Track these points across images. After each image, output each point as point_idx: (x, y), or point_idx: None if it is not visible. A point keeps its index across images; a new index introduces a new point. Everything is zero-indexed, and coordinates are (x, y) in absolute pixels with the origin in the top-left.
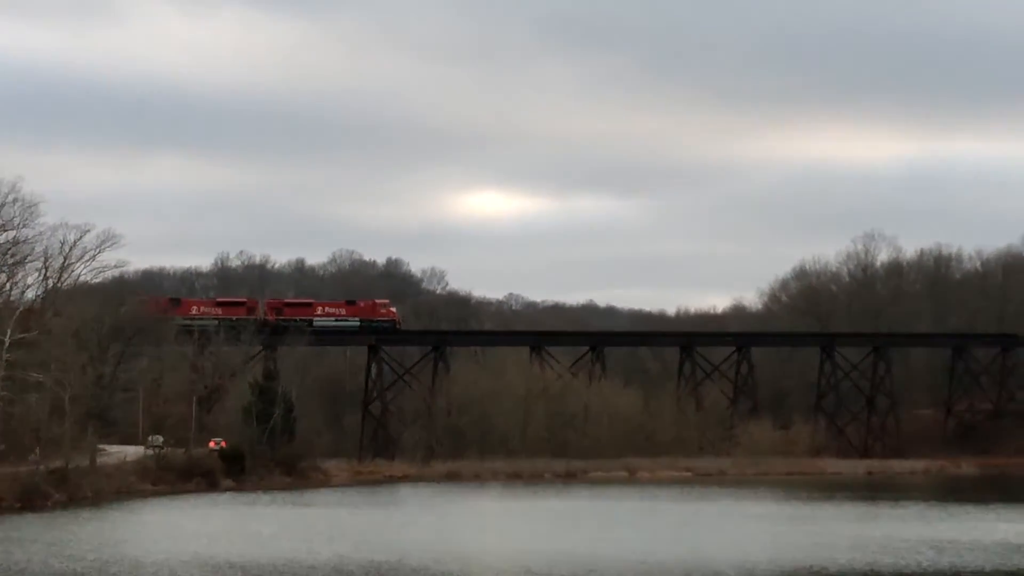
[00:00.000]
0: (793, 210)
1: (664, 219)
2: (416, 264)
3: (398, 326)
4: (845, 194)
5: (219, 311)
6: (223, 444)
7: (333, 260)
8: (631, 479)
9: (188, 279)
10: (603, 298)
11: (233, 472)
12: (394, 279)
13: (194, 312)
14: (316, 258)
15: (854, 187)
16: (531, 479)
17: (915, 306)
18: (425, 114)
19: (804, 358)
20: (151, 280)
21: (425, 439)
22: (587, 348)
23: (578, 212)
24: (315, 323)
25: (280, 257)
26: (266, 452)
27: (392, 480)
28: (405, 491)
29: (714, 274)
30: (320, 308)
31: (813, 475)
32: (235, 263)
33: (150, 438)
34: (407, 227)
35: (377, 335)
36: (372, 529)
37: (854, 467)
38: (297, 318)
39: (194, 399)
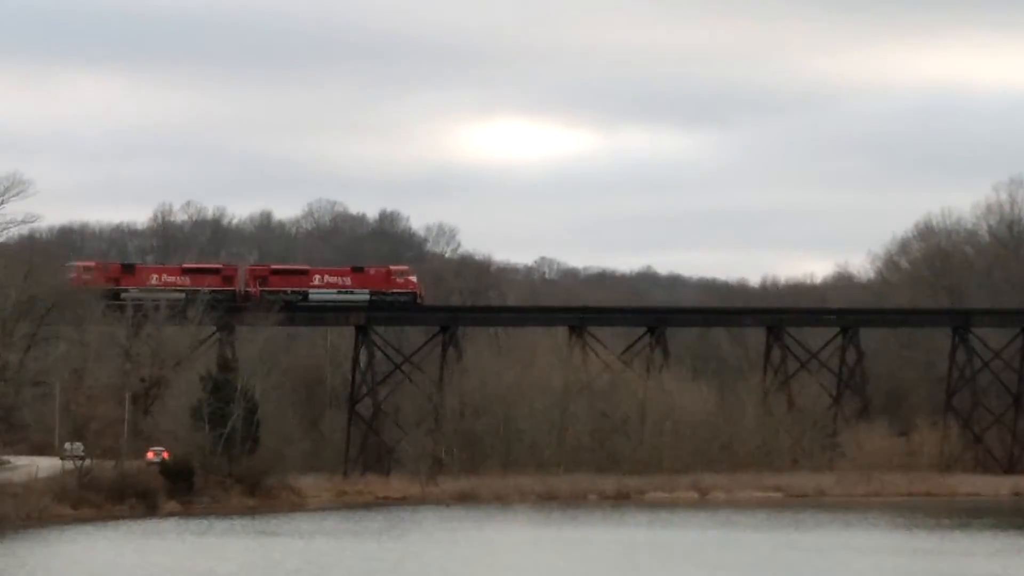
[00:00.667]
0: (916, 148)
1: (745, 160)
2: (418, 219)
3: (420, 300)
4: (984, 127)
5: (187, 280)
6: (165, 455)
7: (309, 214)
8: (702, 501)
9: (119, 238)
10: (664, 264)
11: (178, 492)
12: (389, 238)
13: (154, 281)
14: (287, 211)
15: (996, 118)
16: (570, 501)
17: None
18: (428, 21)
19: (930, 343)
20: (70, 240)
21: (431, 449)
22: (644, 329)
23: (629, 150)
24: (311, 296)
25: (239, 210)
26: (221, 466)
27: (387, 503)
28: (404, 517)
29: (811, 233)
30: (318, 276)
31: (941, 496)
32: (180, 218)
33: (66, 446)
34: (406, 170)
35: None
36: (361, 568)
37: (996, 486)
38: (288, 289)
39: (127, 396)
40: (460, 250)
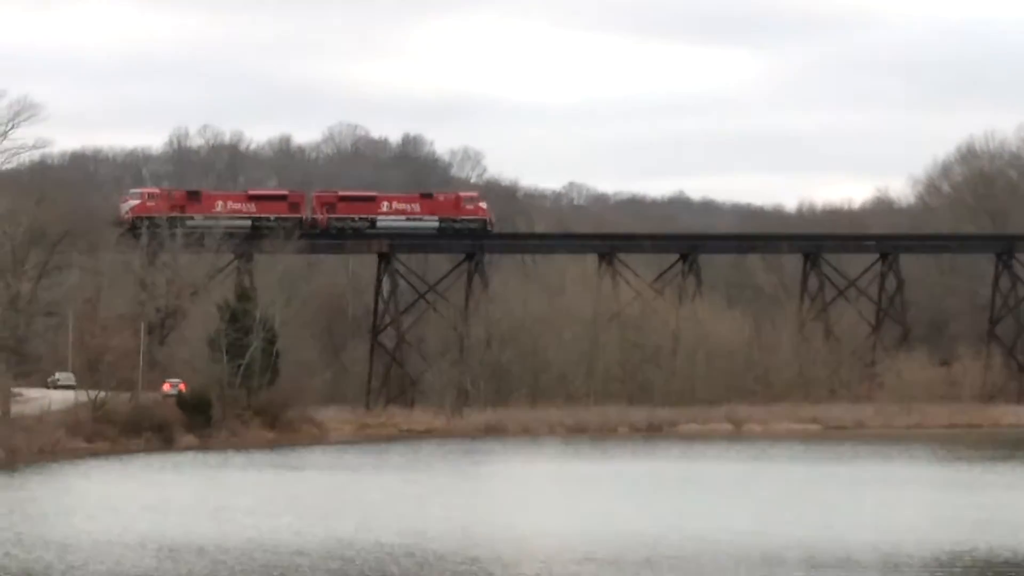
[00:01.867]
0: (958, 68)
1: (780, 79)
2: (442, 143)
3: (490, 228)
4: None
5: (253, 207)
6: (182, 387)
7: (330, 138)
8: (737, 433)
9: (133, 163)
10: (698, 189)
11: (196, 425)
12: (413, 163)
13: (219, 209)
14: (306, 135)
15: None
16: (600, 433)
17: None
18: None
19: (973, 270)
20: (81, 166)
21: (456, 380)
22: (676, 257)
23: (659, 71)
24: (379, 223)
25: (257, 134)
26: (240, 398)
27: (412, 435)
28: (429, 450)
29: (849, 156)
30: (386, 203)
31: (984, 428)
32: (196, 142)
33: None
34: (428, 92)
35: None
36: (383, 502)
37: None
38: (355, 216)
39: (143, 326)
40: (486, 175)
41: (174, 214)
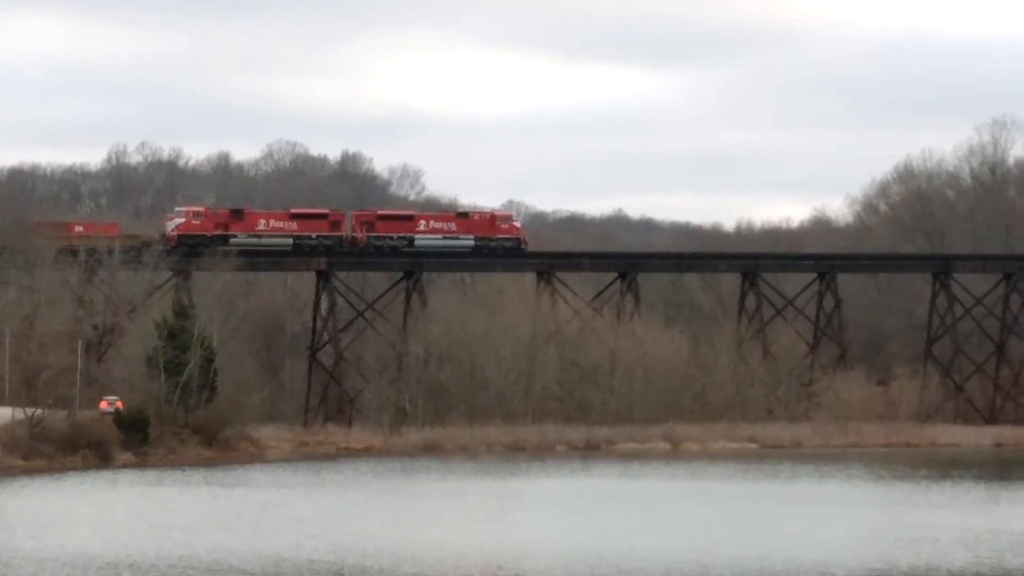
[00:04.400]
0: (891, 89)
1: (718, 100)
2: (381, 160)
3: (523, 246)
4: (958, 67)
5: (295, 226)
6: (119, 405)
7: (269, 155)
8: (674, 452)
9: (71, 181)
10: (636, 207)
11: (133, 442)
12: (352, 181)
13: (262, 227)
14: (245, 152)
15: (969, 57)
16: (538, 452)
17: None
18: None
19: (910, 289)
20: (19, 182)
21: (394, 398)
22: (615, 275)
23: (598, 89)
24: (417, 242)
25: (196, 151)
26: (177, 416)
27: (349, 454)
28: (366, 468)
29: (787, 175)
30: (424, 222)
31: (921, 447)
32: (135, 159)
33: None
34: (366, 111)
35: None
36: (318, 520)
37: (977, 436)
38: (394, 235)
39: (81, 344)
40: (425, 193)
41: (218, 232)
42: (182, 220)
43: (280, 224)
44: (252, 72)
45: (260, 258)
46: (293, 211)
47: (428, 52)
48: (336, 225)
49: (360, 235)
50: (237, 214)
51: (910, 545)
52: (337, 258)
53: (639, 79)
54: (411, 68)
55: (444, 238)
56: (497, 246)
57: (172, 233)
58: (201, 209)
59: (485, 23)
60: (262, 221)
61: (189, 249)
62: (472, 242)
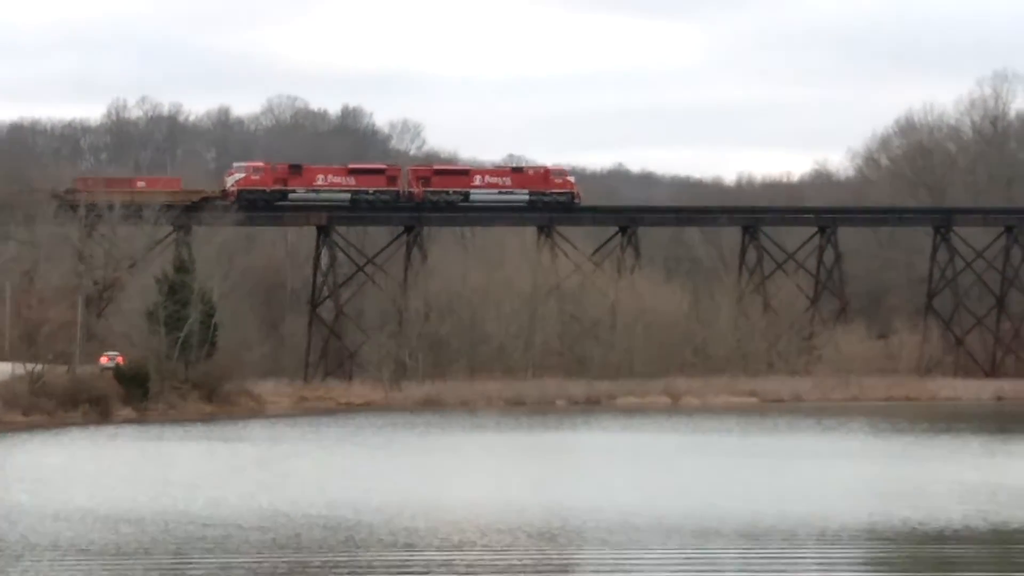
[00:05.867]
0: (895, 41)
1: (717, 52)
2: (382, 115)
3: (577, 201)
4: (964, 18)
5: (352, 181)
6: (120, 360)
7: (269, 110)
8: (675, 406)
9: (71, 135)
10: (636, 161)
11: (133, 398)
12: (353, 135)
13: (320, 182)
14: (245, 107)
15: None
16: (539, 407)
17: None
18: None
19: (911, 243)
20: (19, 137)
21: (394, 353)
22: (615, 229)
23: (596, 40)
24: (472, 196)
25: (196, 106)
26: (178, 371)
27: (349, 408)
28: (366, 422)
29: (788, 129)
30: (479, 177)
31: (922, 401)
32: (135, 113)
33: None
34: (367, 64)
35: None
36: (318, 474)
37: (978, 390)
38: (450, 190)
39: (81, 299)
40: (425, 147)
41: (277, 187)
42: (242, 175)
43: (338, 179)
44: (250, 26)
45: (260, 212)
46: (351, 166)
47: (427, 4)
48: (393, 180)
49: (416, 190)
50: (296, 169)
51: (905, 498)
52: (338, 212)
53: (637, 33)
54: (409, 21)
55: (499, 192)
56: (551, 200)
57: (232, 188)
58: (261, 164)
59: None
60: (320, 176)
61: (249, 204)
62: (527, 196)
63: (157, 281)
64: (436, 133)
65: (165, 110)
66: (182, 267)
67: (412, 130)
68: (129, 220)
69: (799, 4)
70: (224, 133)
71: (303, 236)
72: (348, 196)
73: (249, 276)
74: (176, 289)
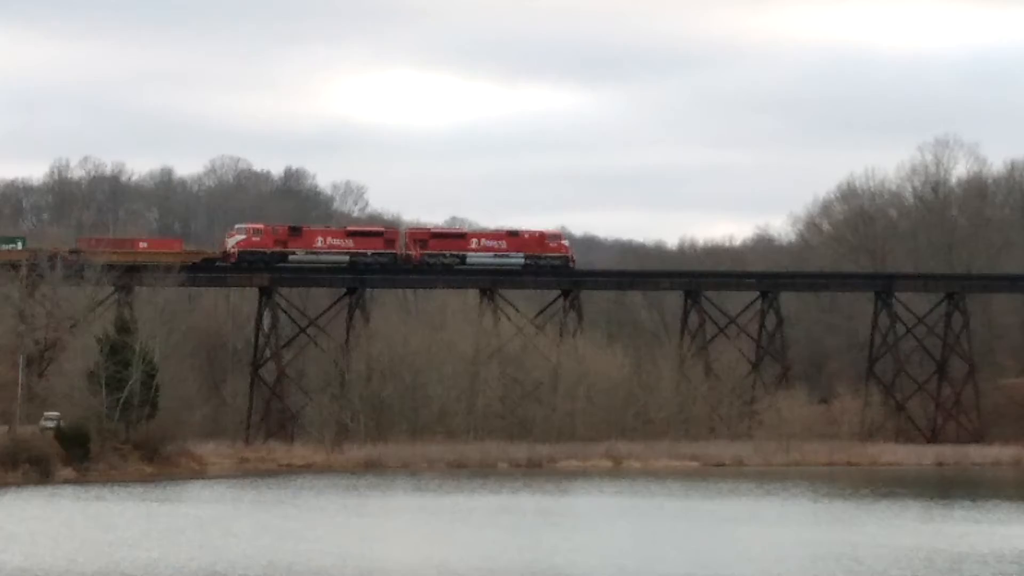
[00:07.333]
0: (836, 106)
1: (659, 116)
2: (324, 177)
3: (572, 264)
4: (896, 87)
5: (351, 243)
6: (60, 420)
7: (212, 170)
8: (616, 470)
9: (12, 194)
10: (579, 225)
11: (74, 458)
12: (296, 196)
13: (319, 244)
14: (188, 167)
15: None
16: (480, 469)
17: (1003, 238)
18: None
19: (852, 308)
20: None
21: (336, 414)
22: (557, 293)
23: (535, 106)
24: (469, 259)
25: (139, 166)
26: (119, 431)
27: (291, 470)
28: (307, 484)
29: (729, 193)
30: (475, 240)
31: (863, 466)
32: (77, 173)
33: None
34: (307, 126)
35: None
36: (257, 535)
37: (919, 455)
38: (447, 252)
39: (21, 359)
40: (368, 209)
41: (277, 249)
42: (242, 237)
43: (337, 242)
44: (191, 88)
45: (201, 273)
46: (350, 229)
47: (364, 69)
48: (390, 243)
49: (414, 252)
50: (296, 231)
51: (843, 563)
52: (279, 274)
53: (573, 97)
54: (348, 85)
55: (495, 256)
56: (546, 264)
57: (233, 250)
58: (261, 226)
59: (418, 41)
60: (319, 239)
61: (249, 265)
62: (522, 260)
63: (98, 341)
64: (379, 195)
65: (108, 170)
66: (124, 327)
67: (355, 192)
68: (70, 280)
69: (742, 69)
70: (167, 193)
71: (245, 297)
72: (347, 258)
73: (191, 336)
74: (117, 349)
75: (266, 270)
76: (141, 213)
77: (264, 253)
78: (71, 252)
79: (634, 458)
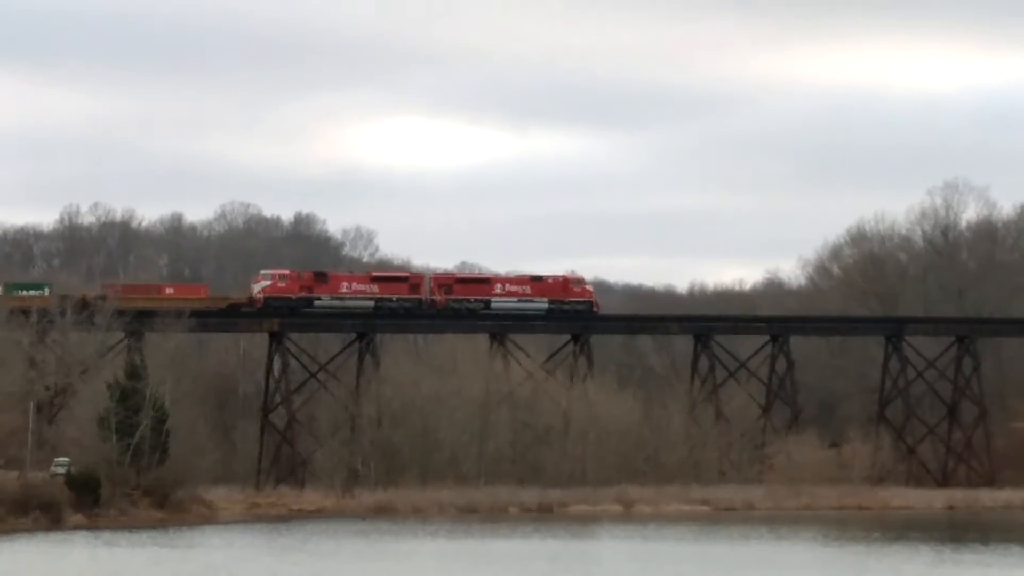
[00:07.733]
0: (845, 150)
1: (670, 161)
2: (334, 222)
3: (596, 310)
4: (916, 127)
5: (376, 288)
6: (71, 466)
7: (222, 216)
8: (627, 515)
9: (23, 241)
10: (589, 270)
11: (84, 504)
12: (306, 242)
13: (344, 290)
14: (198, 213)
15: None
16: (491, 514)
17: (1013, 282)
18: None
19: (862, 352)
20: None
21: (347, 460)
22: (568, 338)
23: (545, 152)
24: (493, 304)
25: (149, 212)
26: (129, 477)
27: (301, 515)
28: (318, 529)
29: (739, 238)
30: (500, 285)
31: (874, 510)
32: (87, 220)
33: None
34: (316, 172)
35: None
36: None
37: (929, 499)
38: (471, 298)
39: (32, 405)
40: (379, 254)
41: (303, 295)
42: (268, 283)
43: (362, 287)
44: (201, 134)
45: (212, 319)
46: (374, 274)
47: (373, 116)
48: (415, 288)
49: (440, 298)
50: (321, 277)
51: None
52: (290, 319)
53: (583, 142)
54: (358, 131)
55: (519, 301)
56: (570, 309)
57: (259, 295)
58: (287, 272)
59: (426, 88)
60: (344, 284)
61: (275, 311)
62: (546, 305)
63: (109, 387)
64: (389, 240)
65: (118, 216)
66: (134, 373)
67: (365, 237)
68: (80, 326)
69: (751, 114)
70: (177, 239)
71: (255, 342)
72: (372, 304)
73: (201, 382)
74: (128, 395)
75: (291, 315)
76: (151, 259)
77: (290, 299)
78: (97, 298)
79: (644, 502)
